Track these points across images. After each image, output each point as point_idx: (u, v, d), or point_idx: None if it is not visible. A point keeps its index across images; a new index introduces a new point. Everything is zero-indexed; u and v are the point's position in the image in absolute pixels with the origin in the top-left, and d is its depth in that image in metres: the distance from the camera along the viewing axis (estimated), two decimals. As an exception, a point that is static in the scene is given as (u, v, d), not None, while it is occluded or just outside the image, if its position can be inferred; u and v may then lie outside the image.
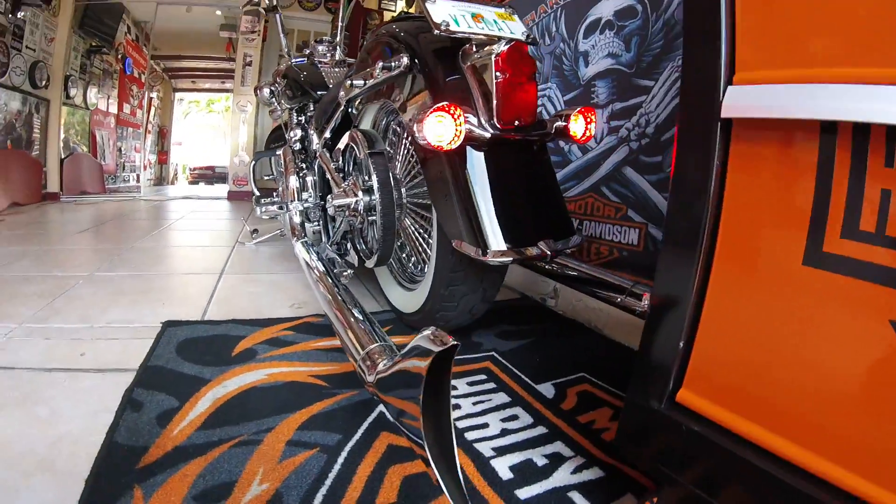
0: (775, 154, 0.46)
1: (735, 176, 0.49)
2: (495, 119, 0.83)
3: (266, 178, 2.61)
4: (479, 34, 0.86)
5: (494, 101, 0.82)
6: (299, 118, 2.18)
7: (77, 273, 1.68)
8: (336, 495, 0.65)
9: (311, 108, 2.03)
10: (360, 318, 0.87)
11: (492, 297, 1.10)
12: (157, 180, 10.86)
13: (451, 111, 0.75)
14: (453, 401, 0.93)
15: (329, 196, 1.25)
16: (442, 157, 0.86)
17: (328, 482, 0.67)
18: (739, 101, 0.47)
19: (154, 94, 9.09)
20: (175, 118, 12.13)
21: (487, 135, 0.82)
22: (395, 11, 5.31)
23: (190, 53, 8.71)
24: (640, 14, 1.28)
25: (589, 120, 0.91)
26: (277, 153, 2.54)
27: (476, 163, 0.84)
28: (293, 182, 1.70)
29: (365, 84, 1.16)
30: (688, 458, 0.53)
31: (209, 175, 13.28)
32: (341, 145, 1.35)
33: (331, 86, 1.93)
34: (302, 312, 1.36)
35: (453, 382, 1.01)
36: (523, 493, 0.69)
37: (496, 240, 0.81)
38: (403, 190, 1.22)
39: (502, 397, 0.97)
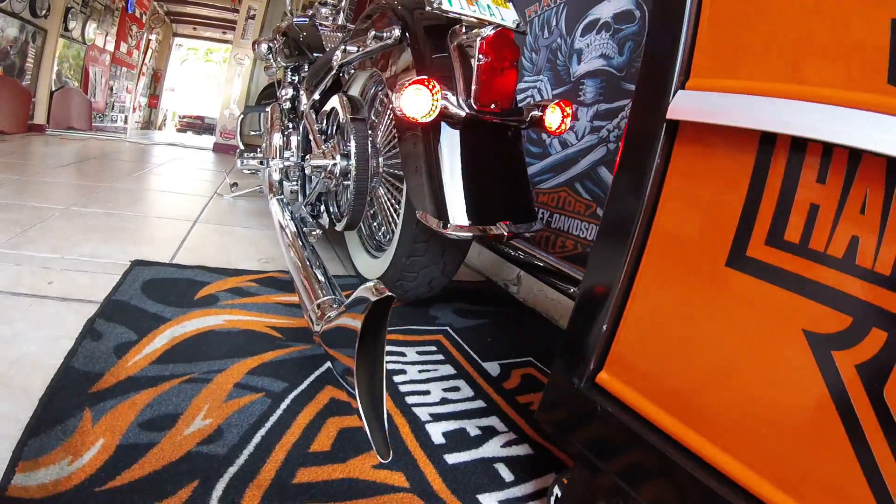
0: (714, 159, 0.49)
1: (674, 176, 0.52)
2: (472, 99, 0.84)
3: (253, 133, 2.58)
4: (470, 16, 0.87)
5: (474, 83, 0.83)
6: (292, 77, 2.16)
7: (54, 206, 1.66)
8: (273, 437, 0.68)
9: (306, 69, 2.02)
10: (321, 277, 0.88)
11: (452, 272, 1.12)
12: (144, 123, 10.58)
13: (429, 85, 0.77)
14: (400, 366, 0.96)
15: (308, 155, 1.26)
16: (417, 130, 0.88)
17: (268, 425, 0.70)
18: (686, 105, 0.49)
19: (153, 37, 8.79)
20: (171, 63, 11.77)
21: (463, 113, 0.84)
22: None
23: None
24: (638, 20, 1.30)
25: (566, 113, 0.93)
26: (266, 109, 2.52)
27: (449, 139, 0.85)
28: (276, 139, 1.70)
29: (358, 51, 1.16)
30: (599, 437, 0.57)
31: (198, 125, 13.05)
32: (327, 108, 1.35)
33: (328, 49, 1.92)
34: (269, 267, 1.38)
35: (403, 349, 1.04)
36: (452, 458, 0.73)
37: (459, 215, 0.84)
38: (381, 159, 1.23)
39: (448, 369, 1.00)
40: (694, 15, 0.51)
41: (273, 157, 1.63)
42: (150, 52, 8.90)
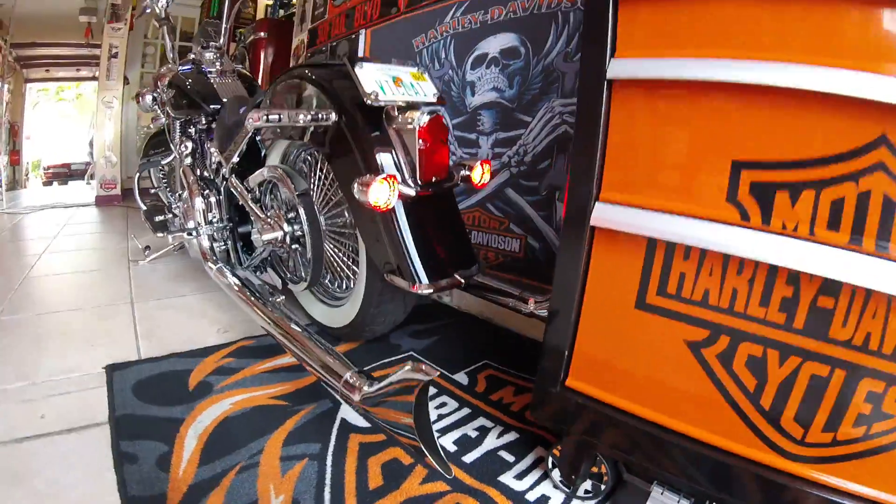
0: (620, 245, 0.77)
1: (597, 255, 0.79)
2: (418, 179, 1.05)
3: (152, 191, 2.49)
4: (402, 101, 1.06)
5: (417, 166, 1.04)
6: (189, 130, 2.14)
7: None
8: (339, 490, 0.87)
9: (202, 121, 2.01)
10: (316, 343, 1.03)
11: (409, 310, 1.34)
12: (10, 185, 9.00)
13: (389, 180, 0.96)
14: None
15: (255, 229, 1.36)
16: (375, 212, 1.06)
17: (328, 482, 0.88)
18: (601, 215, 0.76)
19: (5, 87, 7.46)
20: (26, 112, 10.04)
21: (413, 193, 1.04)
22: None
23: (45, 40, 7.24)
24: (524, 56, 1.57)
25: (485, 170, 1.18)
26: (162, 163, 2.44)
27: (403, 214, 1.06)
28: (199, 204, 1.72)
29: (280, 120, 1.28)
30: (575, 419, 0.85)
31: (65, 174, 11.45)
32: (258, 178, 1.45)
33: (223, 99, 1.94)
34: (231, 336, 1.47)
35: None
36: (467, 458, 0.98)
37: (422, 275, 1.05)
38: (323, 220, 1.38)
39: (430, 390, 1.23)
40: (601, 149, 0.77)
41: (200, 224, 1.67)
42: (2, 105, 7.54)
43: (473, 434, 1.06)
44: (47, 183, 11.09)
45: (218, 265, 1.53)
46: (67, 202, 4.42)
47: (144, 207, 2.54)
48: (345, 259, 1.38)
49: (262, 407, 1.11)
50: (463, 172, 1.16)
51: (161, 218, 2.25)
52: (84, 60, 6.93)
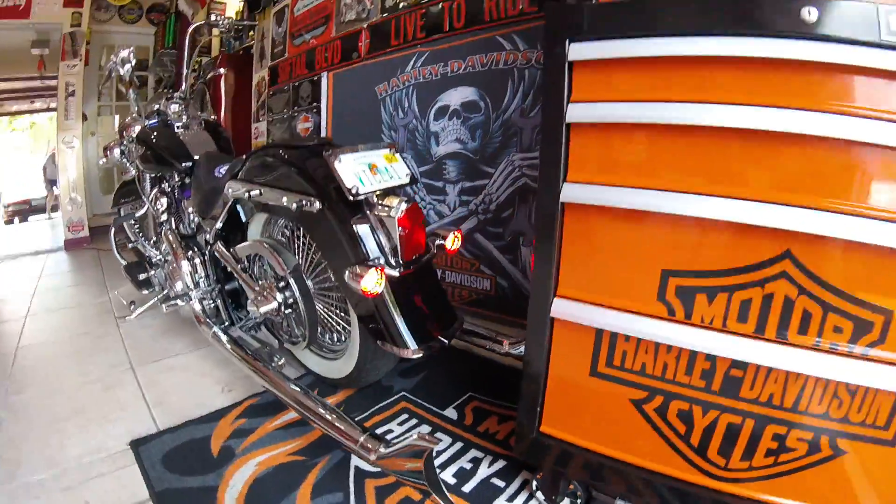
0: (576, 333, 0.96)
1: (557, 339, 0.98)
2: (401, 260, 1.22)
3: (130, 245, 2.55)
4: (379, 190, 1.22)
5: (399, 250, 1.21)
6: (162, 185, 2.21)
7: None
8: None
9: (175, 178, 2.09)
10: (328, 409, 1.20)
11: (397, 360, 1.51)
12: None
13: (379, 273, 1.12)
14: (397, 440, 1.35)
15: (251, 301, 1.49)
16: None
17: (358, 526, 1.06)
18: (558, 311, 0.95)
19: None
20: None
21: (397, 273, 1.21)
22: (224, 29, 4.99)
23: (-1, 75, 6.95)
24: (483, 110, 1.74)
25: (455, 236, 1.35)
26: (136, 216, 2.50)
27: (388, 292, 1.22)
28: (185, 267, 1.83)
29: (260, 195, 1.42)
30: (550, 455, 1.05)
31: (26, 210, 10.97)
32: (246, 251, 1.58)
33: (195, 156, 2.03)
34: (236, 396, 1.61)
35: (388, 426, 1.42)
36: (466, 487, 1.18)
37: (411, 342, 1.22)
38: (311, 284, 1.52)
39: (425, 428, 1.42)
40: (557, 257, 0.95)
41: (189, 288, 1.78)
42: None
43: (468, 466, 1.26)
44: (9, 221, 10.65)
45: (213, 329, 1.66)
46: (36, 248, 4.37)
47: (124, 262, 2.60)
48: (336, 313, 1.53)
49: (283, 465, 1.26)
50: (438, 242, 1.33)
51: (144, 276, 2.32)
52: (38, 93, 6.75)
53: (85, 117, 4.38)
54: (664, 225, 0.84)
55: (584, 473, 1.04)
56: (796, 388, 0.82)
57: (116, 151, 2.53)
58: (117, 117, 5.59)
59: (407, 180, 1.28)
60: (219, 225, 1.70)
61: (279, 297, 1.47)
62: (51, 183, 9.63)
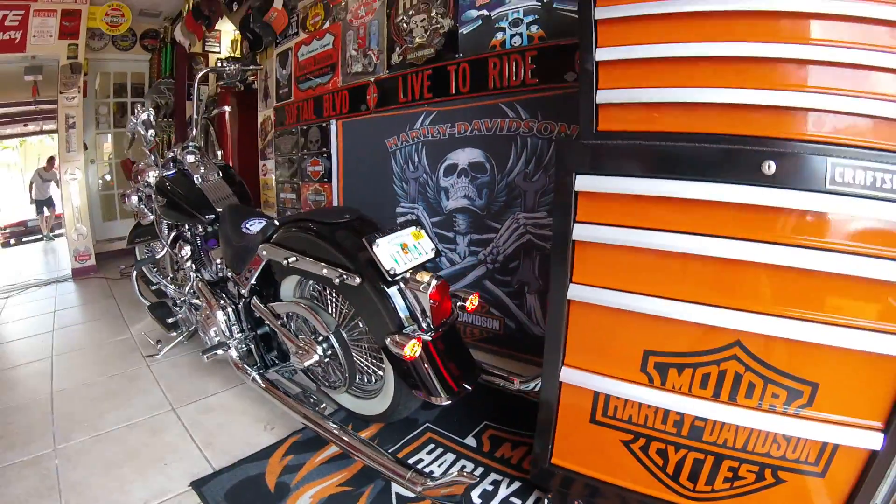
0: (579, 391, 1.24)
1: (564, 394, 1.26)
2: (432, 326, 1.48)
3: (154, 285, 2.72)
4: (412, 268, 1.47)
5: (431, 319, 1.47)
6: (183, 234, 2.40)
7: (39, 452, 1.76)
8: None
9: (198, 228, 2.29)
10: (375, 450, 1.46)
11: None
12: None
13: (417, 342, 1.38)
14: (428, 469, 1.61)
15: (294, 357, 1.73)
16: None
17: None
18: (567, 376, 1.23)
19: None
20: None
21: (429, 338, 1.47)
22: (219, 53, 5.14)
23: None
24: (489, 171, 2.00)
25: (474, 298, 1.61)
26: (157, 257, 2.68)
27: (423, 352, 1.47)
28: (220, 317, 2.05)
29: (297, 261, 1.64)
30: (560, 479, 1.34)
31: (22, 231, 10.89)
32: (284, 309, 1.82)
33: (217, 208, 2.23)
34: (280, 433, 1.84)
35: (419, 456, 1.69)
36: (490, 506, 1.45)
37: (441, 392, 1.48)
38: (345, 334, 1.77)
39: (450, 456, 1.69)
40: (564, 336, 1.23)
41: (228, 338, 2.01)
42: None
43: (490, 488, 1.53)
44: (5, 244, 10.55)
45: (252, 375, 1.90)
46: (44, 277, 4.51)
47: (148, 303, 2.79)
48: (370, 359, 1.78)
49: (334, 495, 1.52)
50: (459, 303, 1.60)
51: (172, 319, 2.52)
52: (31, 116, 6.80)
53: (85, 146, 4.51)
54: (646, 319, 1.12)
55: (585, 494, 1.33)
56: (744, 436, 1.11)
57: (135, 199, 2.72)
58: (109, 137, 5.70)
59: (432, 255, 1.54)
60: (253, 281, 1.93)
61: (319, 350, 1.71)
62: (39, 204, 9.59)
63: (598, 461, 1.29)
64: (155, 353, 2.52)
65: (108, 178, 5.78)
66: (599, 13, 1.16)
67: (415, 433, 1.82)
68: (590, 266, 1.16)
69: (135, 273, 2.86)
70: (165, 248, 2.64)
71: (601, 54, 1.16)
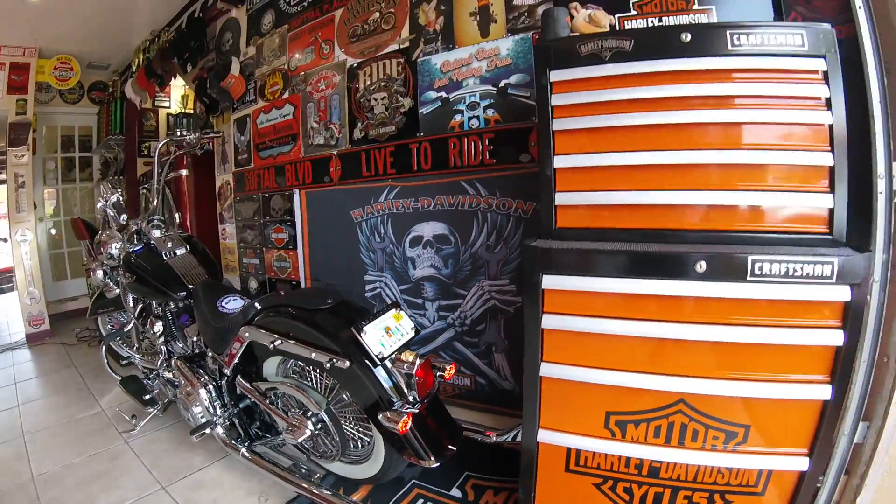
0: (554, 448, 1.47)
1: (542, 451, 1.48)
2: (417, 397, 1.67)
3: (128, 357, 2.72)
4: (396, 349, 1.66)
5: (417, 392, 1.66)
6: (154, 309, 2.46)
7: None
8: None
9: (171, 305, 2.37)
10: None
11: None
12: None
13: (408, 416, 1.56)
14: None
15: (286, 433, 1.86)
16: (396, 430, 1.65)
17: None
18: (543, 437, 1.46)
19: None
20: None
21: (416, 411, 1.65)
22: (169, 108, 5.14)
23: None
24: (454, 243, 2.22)
25: (452, 368, 1.81)
26: (124, 330, 2.70)
27: (412, 425, 1.65)
28: (203, 395, 2.13)
29: (282, 343, 1.78)
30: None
31: None
32: (271, 387, 1.95)
33: (183, 278, 2.32)
34: (275, 503, 1.96)
35: (411, 513, 1.86)
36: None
37: (430, 455, 1.66)
38: (332, 407, 1.92)
39: (442, 510, 1.86)
40: (539, 403, 1.46)
41: (213, 415, 2.10)
42: None
43: (480, 538, 1.73)
44: None
45: (241, 451, 2.00)
46: None
47: (119, 378, 2.80)
48: (357, 427, 1.93)
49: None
50: (438, 374, 1.80)
51: (149, 396, 2.56)
52: None
53: (35, 205, 4.39)
54: (606, 387, 1.38)
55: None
56: (694, 471, 1.39)
57: (100, 273, 2.74)
58: (47, 191, 5.54)
59: (413, 334, 1.74)
60: (237, 361, 2.03)
61: (310, 426, 1.85)
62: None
63: (574, 502, 1.51)
64: (131, 429, 2.52)
65: (53, 232, 5.59)
66: (556, 124, 1.43)
67: (403, 490, 1.98)
68: (557, 348, 1.42)
69: (104, 348, 2.86)
70: (133, 322, 2.67)
71: (558, 161, 1.43)
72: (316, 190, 2.82)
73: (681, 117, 1.34)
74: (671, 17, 1.79)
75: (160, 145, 2.74)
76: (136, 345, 2.86)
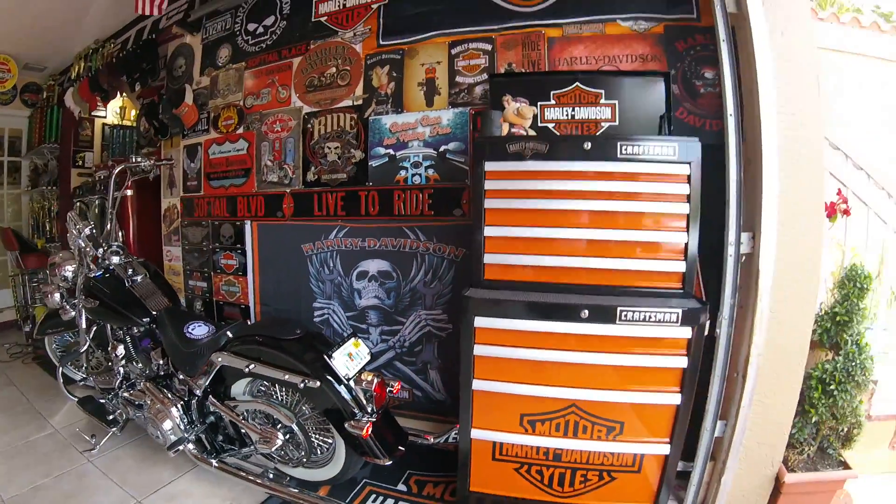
0: (483, 442, 1.99)
1: (474, 444, 2.00)
2: (375, 408, 2.12)
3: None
4: (357, 370, 2.11)
5: (374, 404, 2.11)
6: (118, 333, 2.67)
7: None
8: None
9: (135, 331, 2.61)
10: (325, 501, 2.05)
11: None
12: None
13: (370, 424, 2.01)
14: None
15: (259, 444, 2.24)
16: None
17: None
18: (476, 434, 1.98)
19: None
20: None
21: (374, 420, 2.10)
22: (105, 118, 5.10)
23: None
24: (396, 279, 2.69)
25: (398, 385, 2.29)
26: (80, 352, 2.85)
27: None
28: (175, 413, 2.43)
29: (255, 368, 2.18)
30: (477, 501, 2.09)
31: None
32: (245, 407, 2.31)
33: (145, 304, 2.57)
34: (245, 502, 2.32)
35: (364, 505, 2.30)
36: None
37: (385, 454, 2.12)
38: (300, 420, 2.32)
39: (391, 501, 2.32)
40: (471, 409, 1.98)
41: (185, 433, 2.40)
42: None
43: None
44: None
45: (214, 463, 2.34)
46: None
47: (77, 398, 2.95)
48: (318, 434, 2.33)
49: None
50: (388, 388, 2.26)
51: (111, 416, 2.76)
52: None
53: None
54: (521, 396, 1.94)
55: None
56: (586, 455, 1.97)
57: (57, 296, 2.88)
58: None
59: (369, 358, 2.20)
60: (207, 383, 2.36)
61: (281, 436, 2.24)
62: None
63: (500, 484, 2.07)
64: (91, 448, 2.61)
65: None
66: (487, 203, 1.96)
67: (357, 488, 2.42)
68: (485, 369, 1.97)
69: (60, 370, 2.99)
70: (87, 343, 2.84)
71: (487, 231, 1.96)
72: (268, 223, 3.17)
73: (580, 205, 1.92)
74: (582, 109, 2.33)
75: (116, 171, 2.86)
76: (84, 364, 3.03)
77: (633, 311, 1.82)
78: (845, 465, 2.19)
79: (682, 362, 1.85)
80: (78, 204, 4.41)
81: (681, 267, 1.91)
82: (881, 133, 3.30)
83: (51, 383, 3.60)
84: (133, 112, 5.18)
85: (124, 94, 4.47)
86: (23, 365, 4.15)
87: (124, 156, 4.87)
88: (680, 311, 1.81)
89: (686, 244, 1.89)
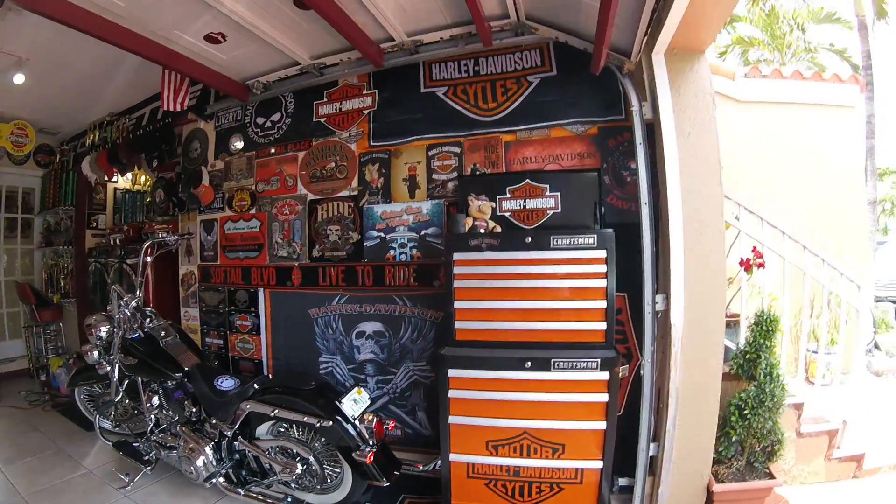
0: (460, 463, 2.74)
1: (454, 466, 2.75)
2: (374, 441, 2.85)
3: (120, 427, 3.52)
4: (361, 412, 2.84)
5: (374, 438, 2.84)
6: (152, 386, 3.34)
7: None
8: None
9: (169, 384, 3.29)
10: None
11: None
12: None
13: (372, 453, 2.73)
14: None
15: (282, 474, 2.93)
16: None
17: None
18: (454, 458, 2.73)
19: None
20: None
21: (375, 450, 2.82)
22: (116, 183, 5.89)
23: None
24: (388, 337, 3.47)
25: (393, 423, 3.03)
26: (114, 401, 3.48)
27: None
28: (209, 452, 3.12)
29: (277, 412, 2.90)
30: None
31: None
32: (270, 445, 3.02)
33: (178, 361, 3.27)
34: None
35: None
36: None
37: (383, 478, 2.83)
38: (313, 454, 3.02)
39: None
40: (448, 438, 2.73)
41: (215, 466, 3.08)
42: None
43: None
44: None
45: (241, 494, 3.02)
46: None
47: (111, 443, 3.59)
48: (328, 464, 3.03)
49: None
50: (385, 426, 2.99)
51: (148, 457, 3.40)
52: None
53: None
54: (487, 427, 2.70)
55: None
56: (539, 471, 2.73)
57: (95, 354, 3.52)
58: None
59: (370, 402, 2.94)
60: (237, 426, 3.07)
61: (300, 466, 2.94)
62: None
63: (475, 497, 2.82)
64: (125, 485, 3.17)
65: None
66: (456, 283, 2.76)
67: (364, 513, 3.11)
68: (458, 407, 2.75)
69: (98, 418, 3.61)
70: (120, 394, 3.48)
71: (457, 304, 2.76)
72: (279, 290, 3.92)
73: (524, 283, 2.74)
74: (532, 200, 3.16)
75: (146, 245, 3.64)
76: (112, 413, 3.67)
77: (563, 361, 2.61)
78: (770, 476, 2.79)
79: (604, 398, 2.64)
80: (96, 265, 5.07)
81: (602, 326, 2.71)
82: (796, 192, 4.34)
83: (74, 429, 4.23)
84: (144, 178, 5.87)
85: (141, 167, 5.19)
86: (43, 412, 4.69)
87: (136, 220, 5.59)
88: (599, 359, 2.61)
89: (605, 309, 2.70)
